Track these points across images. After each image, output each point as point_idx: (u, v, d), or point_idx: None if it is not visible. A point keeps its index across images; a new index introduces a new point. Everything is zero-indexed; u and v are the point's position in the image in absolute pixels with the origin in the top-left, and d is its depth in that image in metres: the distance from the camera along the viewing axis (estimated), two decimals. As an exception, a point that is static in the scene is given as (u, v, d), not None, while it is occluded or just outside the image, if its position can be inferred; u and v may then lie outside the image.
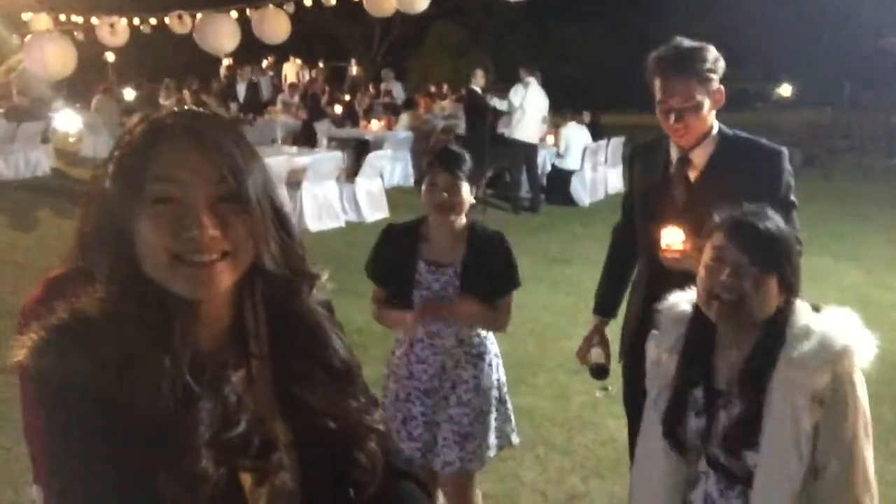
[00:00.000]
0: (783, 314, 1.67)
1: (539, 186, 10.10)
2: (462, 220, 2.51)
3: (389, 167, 10.53)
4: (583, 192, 10.40)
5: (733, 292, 1.64)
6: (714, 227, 1.72)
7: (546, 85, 10.08)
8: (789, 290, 1.68)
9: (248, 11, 7.76)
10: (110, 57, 18.05)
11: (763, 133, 2.40)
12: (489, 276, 2.51)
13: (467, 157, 2.51)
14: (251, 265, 0.98)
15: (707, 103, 2.26)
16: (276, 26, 7.51)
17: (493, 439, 2.62)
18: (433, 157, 2.50)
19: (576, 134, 10.34)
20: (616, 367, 2.68)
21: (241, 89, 12.37)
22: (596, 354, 2.71)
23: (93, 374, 0.88)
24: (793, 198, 2.30)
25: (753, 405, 1.64)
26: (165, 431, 0.88)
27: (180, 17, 7.42)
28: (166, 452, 0.88)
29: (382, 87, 14.79)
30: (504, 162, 10.39)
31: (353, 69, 19.62)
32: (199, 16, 7.47)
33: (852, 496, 1.57)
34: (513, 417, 2.73)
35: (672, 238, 2.19)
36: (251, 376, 1.01)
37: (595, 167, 10.56)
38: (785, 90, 25.16)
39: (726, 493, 1.73)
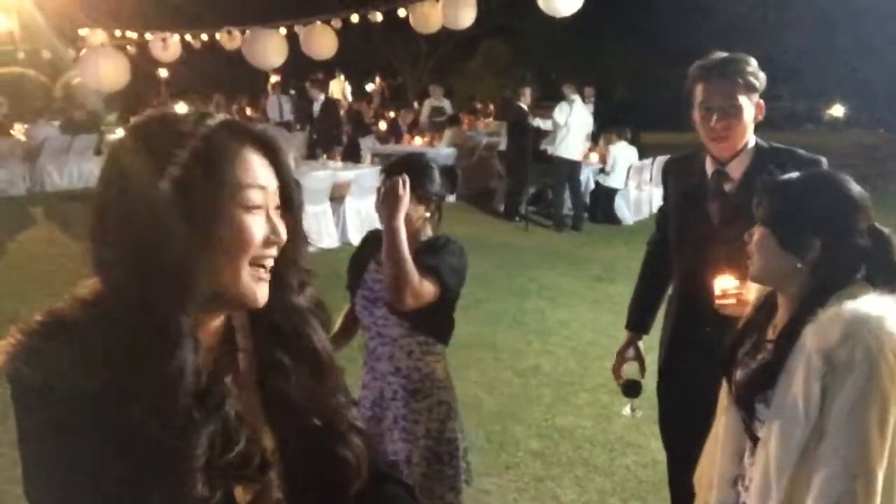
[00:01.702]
0: (816, 280, 1.60)
1: (582, 204, 10.02)
2: (426, 231, 2.38)
3: (432, 183, 10.53)
4: (627, 211, 10.28)
5: (748, 249, 1.70)
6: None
7: (596, 103, 10.06)
8: (799, 252, 1.61)
9: (295, 28, 7.88)
10: (163, 73, 18.53)
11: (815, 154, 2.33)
12: (427, 264, 2.28)
13: (421, 167, 2.36)
14: None
15: (748, 110, 2.23)
16: (323, 42, 7.62)
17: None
18: (386, 167, 2.42)
19: (623, 152, 10.25)
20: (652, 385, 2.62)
21: (274, 103, 12.46)
22: (629, 370, 2.64)
23: (72, 379, 0.84)
24: None
25: (773, 360, 1.62)
26: (160, 450, 0.85)
27: (229, 32, 7.57)
28: (160, 473, 0.85)
29: (428, 102, 14.83)
30: (547, 179, 10.34)
31: (372, 85, 19.77)
32: (247, 32, 7.61)
33: (845, 474, 1.46)
34: (461, 486, 2.42)
35: (726, 284, 2.07)
36: (238, 373, 1.00)
37: (640, 186, 10.44)
38: (837, 111, 24.64)
39: (751, 462, 1.71)
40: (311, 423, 1.03)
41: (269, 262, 0.96)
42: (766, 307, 1.78)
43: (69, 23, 11.70)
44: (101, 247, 0.91)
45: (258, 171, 0.95)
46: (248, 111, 14.54)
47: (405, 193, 2.21)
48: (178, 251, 0.88)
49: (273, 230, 0.96)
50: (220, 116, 0.98)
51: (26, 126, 11.97)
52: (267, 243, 0.95)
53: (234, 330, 1.03)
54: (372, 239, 2.51)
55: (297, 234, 1.01)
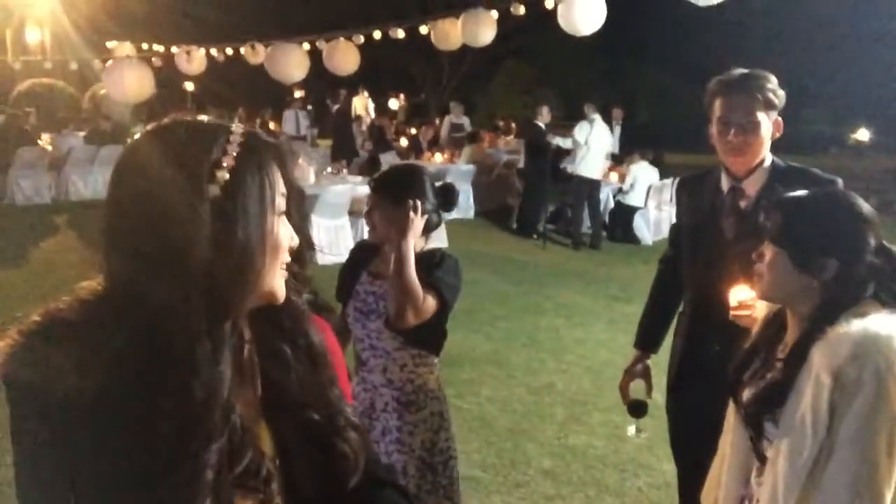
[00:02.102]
0: (829, 298, 1.59)
1: (601, 223, 9.99)
2: (418, 244, 2.31)
3: (451, 199, 10.57)
4: (646, 230, 10.23)
5: (757, 268, 1.68)
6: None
7: (623, 125, 10.07)
8: (814, 271, 1.59)
9: (317, 43, 7.97)
10: (189, 86, 18.80)
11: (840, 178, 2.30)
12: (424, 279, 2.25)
13: (406, 178, 2.35)
14: None
15: (766, 126, 2.24)
16: (345, 58, 7.69)
17: None
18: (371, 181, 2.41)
19: (644, 171, 10.22)
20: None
21: (291, 117, 12.51)
22: (636, 389, 2.61)
23: (70, 382, 0.84)
24: None
25: (784, 376, 1.61)
26: (163, 463, 0.84)
27: (253, 47, 7.67)
28: (166, 491, 0.84)
29: (448, 119, 14.88)
30: (565, 197, 10.33)
31: (394, 101, 19.91)
32: (270, 46, 7.70)
33: (852, 493, 1.44)
34: (457, 497, 2.42)
35: (742, 296, 2.02)
36: (241, 367, 0.99)
37: (660, 206, 10.39)
38: (862, 135, 24.38)
39: (758, 482, 1.70)
40: (310, 417, 1.03)
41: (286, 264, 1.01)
42: (774, 325, 1.77)
43: (98, 35, 11.94)
44: (119, 250, 0.90)
45: (283, 180, 0.99)
46: (272, 125, 14.68)
47: (417, 218, 2.21)
48: (234, 255, 0.90)
49: (293, 233, 1.01)
50: (239, 125, 0.98)
51: (52, 136, 12.17)
52: (295, 246, 1.01)
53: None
54: (363, 249, 2.51)
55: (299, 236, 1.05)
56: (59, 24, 15.29)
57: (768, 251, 1.64)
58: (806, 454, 1.49)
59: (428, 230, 2.33)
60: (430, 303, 2.22)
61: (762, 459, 1.67)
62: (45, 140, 11.97)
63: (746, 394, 1.72)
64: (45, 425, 0.85)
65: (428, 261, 2.31)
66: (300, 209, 1.07)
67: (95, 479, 0.84)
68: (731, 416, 1.83)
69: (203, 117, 0.99)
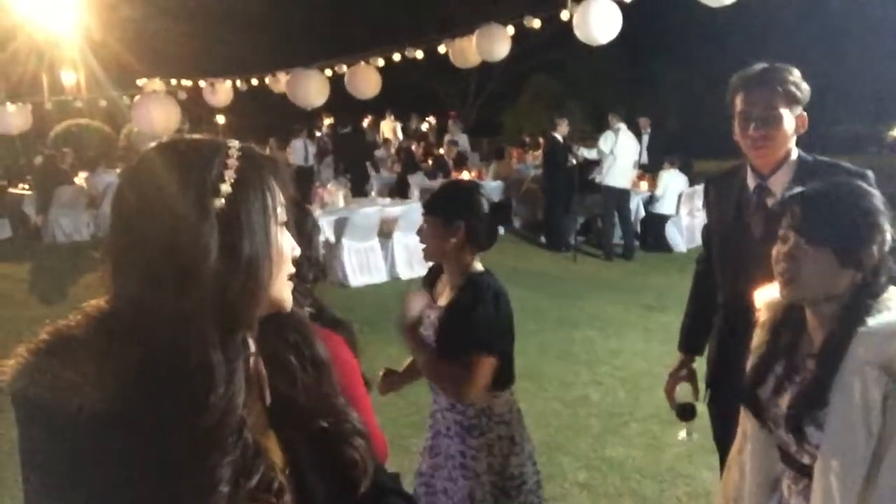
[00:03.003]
0: (865, 289, 1.56)
1: (632, 232, 9.88)
2: (475, 265, 2.29)
3: (480, 216, 10.58)
4: (679, 238, 10.09)
5: (788, 271, 1.60)
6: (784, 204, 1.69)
7: (652, 134, 9.99)
8: (858, 264, 1.56)
9: (338, 68, 8.07)
10: (221, 119, 19.19)
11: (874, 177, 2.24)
12: (465, 329, 2.19)
13: (453, 195, 2.33)
14: None
15: (789, 120, 2.17)
16: (366, 81, 7.78)
17: None
18: None
19: (674, 178, 10.11)
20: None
21: (299, 147, 12.52)
22: (682, 392, 2.56)
23: (79, 398, 0.83)
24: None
25: (822, 375, 1.55)
26: (178, 479, 0.84)
27: (274, 75, 7.81)
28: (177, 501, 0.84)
29: (447, 137, 14.93)
30: (595, 209, 10.25)
31: (425, 124, 20.03)
32: (290, 73, 7.82)
33: None
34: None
35: (768, 297, 1.96)
36: (248, 378, 0.98)
37: (692, 212, 10.25)
38: (900, 133, 23.87)
39: (792, 491, 1.64)
40: (318, 425, 1.03)
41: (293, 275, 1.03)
42: (787, 328, 1.71)
43: (129, 74, 12.28)
44: (125, 266, 0.90)
45: (283, 191, 1.00)
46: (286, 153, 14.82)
47: (416, 307, 2.24)
48: (241, 266, 0.91)
49: (293, 243, 1.02)
50: (234, 141, 0.99)
51: (88, 174, 12.48)
52: (299, 256, 1.03)
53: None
54: (431, 270, 2.50)
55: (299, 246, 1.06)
56: (90, 65, 15.75)
57: (804, 250, 1.57)
58: (860, 452, 1.45)
59: (479, 247, 2.30)
60: (482, 371, 2.17)
61: (798, 467, 1.62)
62: (81, 178, 12.28)
63: (776, 399, 1.66)
64: (56, 443, 0.84)
65: (465, 301, 2.23)
66: (299, 223, 1.09)
67: (109, 497, 0.83)
68: (746, 428, 1.78)
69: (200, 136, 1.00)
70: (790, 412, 1.61)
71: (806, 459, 1.59)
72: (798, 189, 1.65)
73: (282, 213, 0.98)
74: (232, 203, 0.91)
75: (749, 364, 1.78)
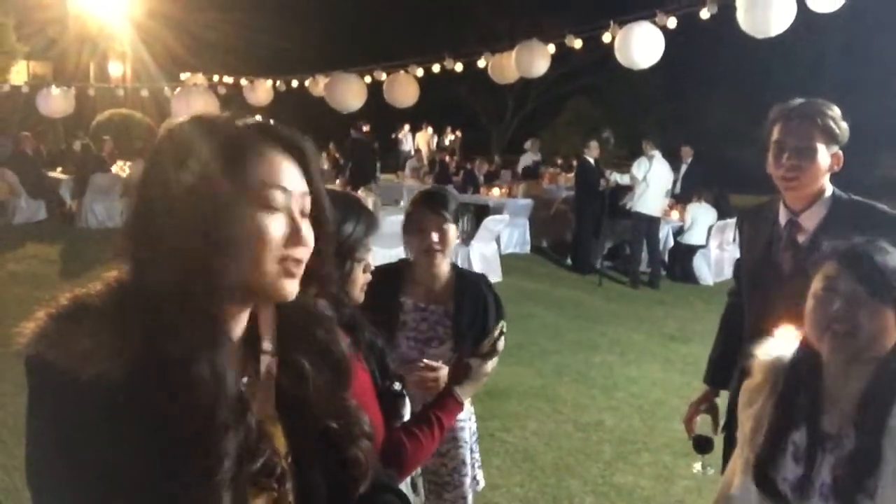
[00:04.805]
0: None
1: (660, 261, 9.78)
2: (447, 261, 2.42)
3: (507, 233, 10.57)
4: (707, 271, 9.96)
5: (847, 323, 1.51)
6: (824, 256, 1.61)
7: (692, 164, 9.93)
8: None
9: (376, 75, 8.13)
10: (259, 118, 19.40)
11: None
12: (478, 317, 2.39)
13: (451, 196, 2.44)
14: None
15: (824, 155, 2.13)
16: (404, 90, 7.82)
17: (468, 488, 2.50)
18: (418, 200, 2.41)
19: (702, 212, 10.01)
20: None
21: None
22: (702, 424, 2.51)
23: (96, 366, 0.83)
24: None
25: (871, 442, 1.47)
26: (185, 457, 0.83)
27: (314, 77, 7.88)
28: (185, 483, 0.83)
29: (527, 156, 14.89)
30: (624, 234, 10.17)
31: (450, 136, 20.07)
32: (329, 77, 7.89)
33: None
34: (480, 460, 2.62)
35: (787, 337, 1.92)
36: (258, 375, 0.98)
37: (722, 245, 10.12)
38: (943, 180, 23.34)
39: None
40: (327, 425, 1.03)
41: (299, 261, 0.95)
42: (801, 391, 1.62)
43: (174, 67, 12.52)
44: (131, 236, 0.92)
45: (283, 173, 0.95)
46: (338, 156, 14.98)
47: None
48: (198, 243, 0.89)
49: (295, 231, 0.94)
50: (257, 118, 0.99)
51: (128, 163, 12.69)
52: (289, 243, 0.94)
53: (257, 329, 1.02)
54: (378, 277, 2.45)
55: (324, 242, 1.00)
56: (138, 57, 16.08)
57: (869, 304, 1.51)
58: None
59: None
60: None
61: None
62: (119, 167, 12.48)
63: (814, 473, 1.56)
64: (65, 411, 0.84)
65: (478, 281, 2.47)
66: (321, 208, 1.01)
67: (114, 469, 0.82)
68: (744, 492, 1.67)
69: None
70: (841, 484, 1.51)
71: None
72: (850, 244, 1.60)
73: (274, 196, 0.93)
74: (203, 177, 0.90)
75: (751, 432, 1.67)
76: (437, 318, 2.39)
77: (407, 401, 1.68)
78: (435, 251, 2.33)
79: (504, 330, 1.80)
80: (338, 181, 10.23)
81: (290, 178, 0.95)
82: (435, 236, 2.32)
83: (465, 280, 2.46)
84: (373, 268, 1.67)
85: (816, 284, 1.59)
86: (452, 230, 2.36)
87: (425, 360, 2.28)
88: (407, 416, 1.64)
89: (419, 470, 2.30)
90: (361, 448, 1.06)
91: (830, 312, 1.53)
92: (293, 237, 0.94)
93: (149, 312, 0.87)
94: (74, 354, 0.83)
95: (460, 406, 1.68)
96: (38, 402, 0.86)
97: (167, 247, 0.88)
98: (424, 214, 2.34)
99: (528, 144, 15.67)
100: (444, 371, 2.16)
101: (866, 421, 1.50)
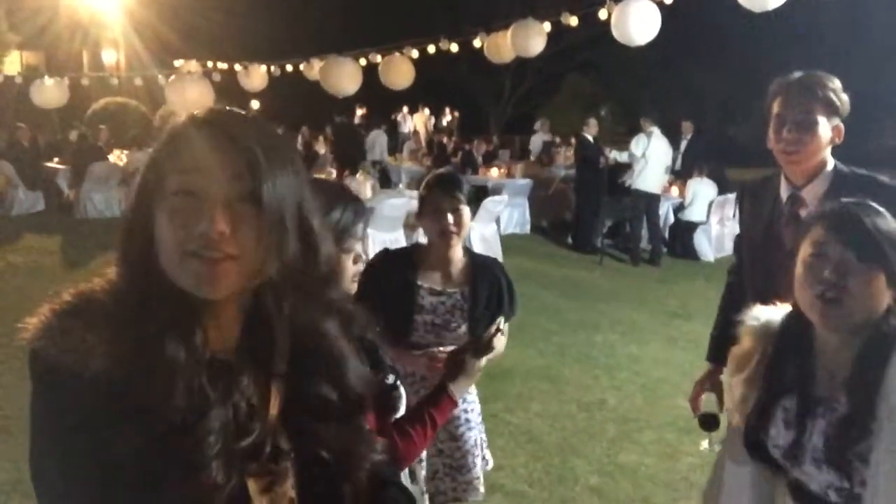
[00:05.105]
0: (895, 311, 1.50)
1: (660, 238, 9.76)
2: (461, 244, 2.44)
3: (507, 213, 10.54)
4: (707, 247, 9.95)
5: (837, 290, 1.49)
6: (813, 221, 1.59)
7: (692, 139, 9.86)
8: None
9: (371, 58, 8.06)
10: (255, 104, 19.32)
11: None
12: (494, 301, 2.43)
13: (463, 179, 2.47)
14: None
15: (825, 128, 2.12)
16: (400, 72, 7.76)
17: (480, 469, 2.54)
18: (432, 183, 2.41)
19: (702, 187, 9.98)
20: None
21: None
22: (707, 402, 2.51)
23: (97, 362, 0.83)
24: None
25: (864, 406, 1.46)
26: (175, 436, 0.84)
27: (309, 62, 7.81)
28: (175, 461, 0.84)
29: (539, 136, 14.69)
30: (624, 212, 10.14)
31: (448, 117, 19.97)
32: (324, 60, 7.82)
33: None
34: (486, 440, 2.66)
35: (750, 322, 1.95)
36: (266, 392, 0.97)
37: (722, 221, 10.10)
38: (942, 149, 23.26)
39: None
40: (321, 455, 1.00)
41: (206, 253, 0.87)
42: (792, 357, 1.62)
43: (167, 54, 12.46)
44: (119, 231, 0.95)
45: (205, 156, 0.88)
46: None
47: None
48: (141, 234, 0.91)
49: (210, 221, 0.86)
50: (212, 108, 0.97)
51: (124, 152, 12.63)
52: (189, 231, 0.87)
53: (268, 348, 0.99)
54: (392, 261, 2.47)
55: (264, 234, 0.90)
56: (131, 44, 15.97)
57: (857, 268, 1.49)
58: None
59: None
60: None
61: None
62: (116, 156, 12.42)
63: (805, 437, 1.55)
64: (68, 404, 0.84)
65: (493, 266, 2.51)
66: (261, 197, 0.93)
67: (115, 461, 0.83)
68: (741, 471, 1.69)
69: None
70: (834, 448, 1.50)
71: (834, 497, 1.51)
72: (844, 200, 1.58)
73: (186, 180, 0.88)
74: (145, 166, 0.93)
75: (741, 398, 1.67)
76: (453, 302, 2.41)
77: (402, 392, 1.66)
78: (451, 233, 2.34)
79: (501, 327, 1.79)
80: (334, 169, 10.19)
81: (214, 161, 0.89)
82: (451, 218, 2.33)
83: (480, 264, 2.48)
84: (364, 257, 1.63)
85: (805, 250, 1.57)
86: (467, 212, 2.37)
87: (441, 348, 2.31)
88: (402, 410, 1.63)
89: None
90: (354, 481, 1.03)
91: (820, 279, 1.51)
92: (196, 223, 0.87)
93: (137, 306, 0.88)
94: (76, 350, 0.84)
95: (455, 403, 1.67)
96: (41, 396, 0.87)
97: (134, 245, 0.91)
98: (439, 197, 2.35)
99: (538, 125, 15.43)
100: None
101: (859, 385, 1.49)
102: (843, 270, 1.49)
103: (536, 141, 14.30)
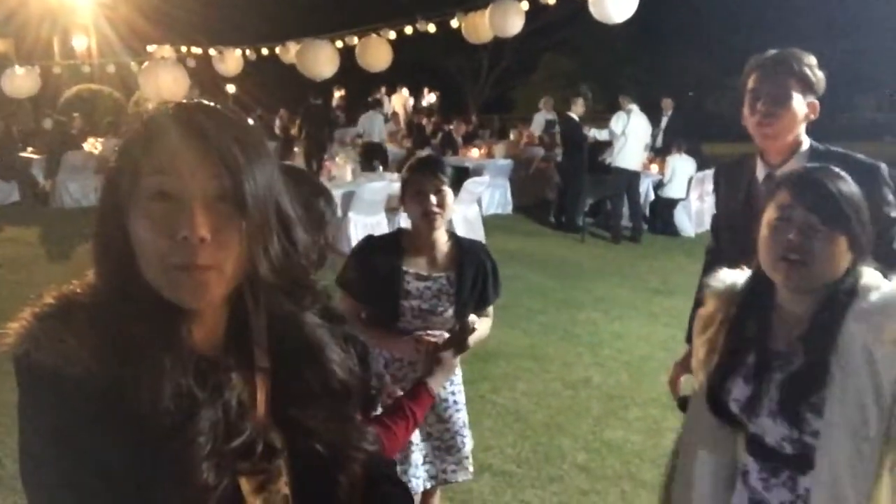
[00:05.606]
0: (852, 272, 1.56)
1: (641, 215, 9.82)
2: (444, 227, 2.45)
3: (488, 194, 10.54)
4: (688, 223, 10.03)
5: (801, 253, 1.53)
6: (778, 185, 1.63)
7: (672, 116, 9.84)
8: (859, 250, 1.55)
9: (348, 40, 7.99)
10: (231, 88, 19.10)
11: (891, 167, 2.20)
12: (479, 284, 2.47)
13: (444, 162, 2.51)
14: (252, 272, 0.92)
15: (799, 103, 2.13)
16: (377, 54, 7.70)
17: (468, 450, 2.60)
18: (415, 166, 2.43)
19: (681, 163, 10.03)
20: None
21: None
22: (687, 385, 2.53)
23: (83, 366, 0.82)
24: (894, 214, 2.09)
25: (818, 359, 1.51)
26: (165, 439, 0.83)
27: (284, 45, 7.72)
28: (165, 463, 0.83)
29: (541, 115, 14.53)
30: (605, 190, 10.18)
31: (427, 98, 19.81)
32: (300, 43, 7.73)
33: None
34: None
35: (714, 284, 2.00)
36: (253, 388, 0.96)
37: (702, 196, 10.17)
38: (919, 122, 23.53)
39: (770, 484, 1.60)
40: (314, 447, 0.98)
41: (189, 261, 0.84)
42: (753, 316, 1.66)
43: (140, 40, 12.25)
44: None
45: (166, 156, 0.85)
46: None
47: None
48: (116, 239, 0.88)
49: (190, 227, 0.83)
50: (181, 102, 0.93)
51: (99, 140, 12.46)
52: (171, 238, 0.84)
53: (249, 342, 0.98)
54: (377, 246, 2.49)
55: (251, 234, 0.88)
56: (102, 30, 15.69)
57: (821, 232, 1.53)
58: (873, 432, 1.42)
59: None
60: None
61: (779, 458, 1.58)
62: (90, 144, 12.25)
63: (763, 391, 1.60)
64: (53, 409, 0.83)
65: (478, 249, 2.53)
66: (241, 197, 0.90)
67: (104, 464, 0.82)
68: (703, 432, 1.73)
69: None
70: (786, 399, 1.55)
71: (788, 449, 1.56)
72: (809, 165, 1.63)
73: (160, 182, 0.85)
74: (116, 169, 0.89)
75: (704, 357, 1.71)
76: (439, 286, 2.42)
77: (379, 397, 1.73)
78: (434, 214, 2.34)
79: (475, 327, 1.86)
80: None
81: (190, 160, 0.85)
82: (433, 199, 2.34)
83: (465, 248, 2.49)
84: (349, 242, 1.68)
85: (770, 213, 1.60)
86: (450, 194, 2.38)
87: (429, 332, 2.34)
88: (379, 409, 1.65)
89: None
90: (349, 473, 1.02)
91: (784, 242, 1.55)
92: (178, 229, 0.84)
93: (119, 310, 0.86)
94: (61, 353, 0.82)
95: (433, 398, 1.70)
96: (28, 401, 0.86)
97: (102, 245, 0.90)
98: (421, 179, 2.36)
99: (541, 103, 15.31)
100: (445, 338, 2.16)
101: (815, 339, 1.53)
102: (808, 233, 1.53)
103: (539, 119, 14.20)
